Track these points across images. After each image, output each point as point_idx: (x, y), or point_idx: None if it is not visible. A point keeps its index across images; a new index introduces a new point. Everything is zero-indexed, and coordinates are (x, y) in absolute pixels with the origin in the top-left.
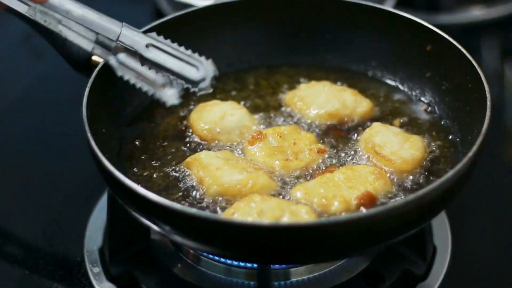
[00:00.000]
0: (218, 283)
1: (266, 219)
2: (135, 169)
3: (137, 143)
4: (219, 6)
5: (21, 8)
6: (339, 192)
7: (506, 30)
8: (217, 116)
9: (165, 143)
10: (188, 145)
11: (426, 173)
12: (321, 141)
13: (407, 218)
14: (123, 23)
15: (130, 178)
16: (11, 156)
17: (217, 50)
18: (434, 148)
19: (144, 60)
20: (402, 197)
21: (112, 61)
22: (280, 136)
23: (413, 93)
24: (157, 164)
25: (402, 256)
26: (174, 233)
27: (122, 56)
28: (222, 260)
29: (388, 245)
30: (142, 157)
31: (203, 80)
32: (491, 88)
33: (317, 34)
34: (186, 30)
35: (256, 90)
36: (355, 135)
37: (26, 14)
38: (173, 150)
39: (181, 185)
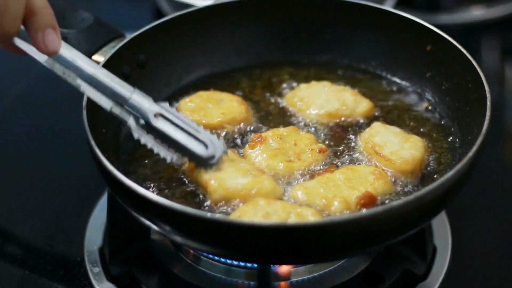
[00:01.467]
0: (218, 283)
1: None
2: (135, 169)
3: (137, 143)
4: (219, 6)
5: (40, 58)
6: (339, 192)
7: (506, 30)
8: None
9: None
10: None
11: (426, 173)
12: (321, 141)
13: (407, 218)
14: (135, 88)
15: (130, 178)
16: (11, 156)
17: (217, 50)
18: (434, 148)
19: (151, 130)
20: (402, 197)
21: (131, 122)
22: (280, 138)
23: (413, 93)
24: (158, 164)
25: (402, 256)
26: (174, 233)
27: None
28: (222, 260)
29: (388, 245)
30: (142, 157)
31: (211, 158)
32: (491, 88)
33: (317, 34)
34: (186, 30)
35: (256, 90)
36: (355, 135)
37: (45, 64)
38: None
39: (181, 184)
